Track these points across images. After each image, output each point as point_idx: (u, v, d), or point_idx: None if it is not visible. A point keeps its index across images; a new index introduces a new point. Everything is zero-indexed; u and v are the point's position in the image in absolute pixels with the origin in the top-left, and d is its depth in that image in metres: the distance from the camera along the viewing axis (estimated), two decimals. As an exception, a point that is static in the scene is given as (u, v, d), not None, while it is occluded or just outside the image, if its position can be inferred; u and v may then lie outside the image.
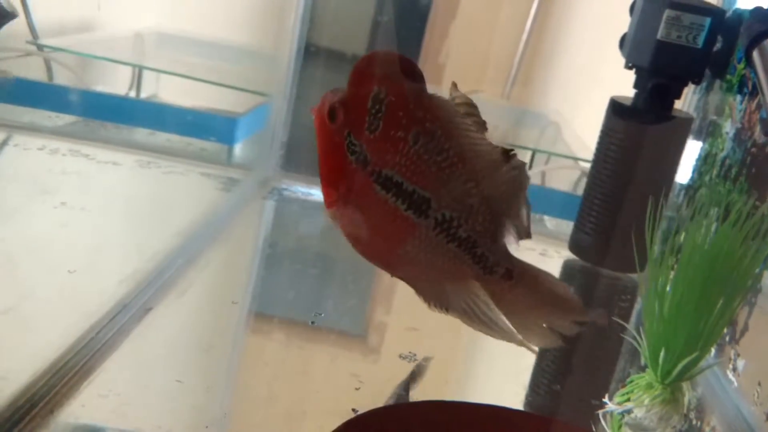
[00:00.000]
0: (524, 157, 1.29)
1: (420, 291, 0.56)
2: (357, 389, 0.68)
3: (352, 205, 0.53)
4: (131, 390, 0.62)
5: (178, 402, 0.63)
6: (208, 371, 0.70)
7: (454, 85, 0.58)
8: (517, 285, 0.55)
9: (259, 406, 0.66)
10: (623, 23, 1.04)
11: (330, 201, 0.55)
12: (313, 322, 0.79)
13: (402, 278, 0.57)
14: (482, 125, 0.57)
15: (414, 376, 0.72)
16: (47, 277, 0.77)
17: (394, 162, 0.50)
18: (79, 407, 0.58)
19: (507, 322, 0.55)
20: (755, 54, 0.85)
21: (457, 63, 1.93)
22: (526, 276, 0.55)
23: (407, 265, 0.54)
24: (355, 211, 0.53)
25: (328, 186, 0.55)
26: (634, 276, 1.05)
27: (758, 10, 0.89)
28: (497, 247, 0.53)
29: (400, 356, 0.76)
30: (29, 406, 0.56)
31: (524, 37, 1.88)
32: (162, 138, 1.32)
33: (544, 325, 0.58)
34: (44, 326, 0.69)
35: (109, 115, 1.33)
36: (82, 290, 0.76)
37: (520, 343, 0.56)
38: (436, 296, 0.55)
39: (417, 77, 0.50)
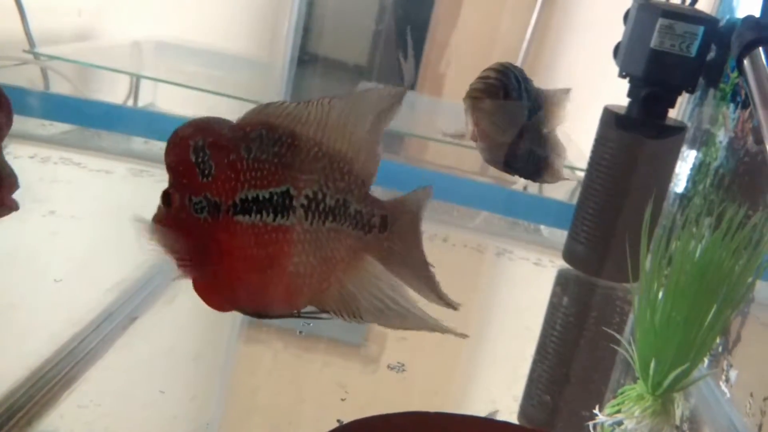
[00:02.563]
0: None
1: (325, 306, 0.55)
2: (343, 400, 0.68)
3: (232, 264, 0.52)
4: (112, 400, 0.62)
5: (161, 413, 0.62)
6: (193, 381, 0.70)
7: None
8: (393, 231, 0.54)
9: (245, 417, 0.65)
10: (620, 33, 1.03)
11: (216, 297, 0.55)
12: (301, 332, 0.79)
13: (307, 314, 0.55)
14: None
15: None
16: (33, 285, 0.76)
17: (243, 182, 0.50)
18: (58, 417, 0.57)
19: (418, 307, 0.55)
20: (746, 62, 0.84)
21: (457, 72, 1.93)
22: (398, 216, 0.55)
23: (302, 283, 0.53)
24: (236, 267, 0.52)
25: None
26: (628, 285, 1.04)
27: (749, 19, 0.88)
28: (365, 195, 0.53)
29: (389, 366, 0.75)
30: (7, 417, 0.56)
31: (524, 46, 1.88)
32: (157, 147, 1.31)
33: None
34: (27, 335, 0.68)
35: (105, 123, 1.33)
36: (67, 299, 0.76)
37: (444, 330, 0.56)
38: (343, 303, 0.54)
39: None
